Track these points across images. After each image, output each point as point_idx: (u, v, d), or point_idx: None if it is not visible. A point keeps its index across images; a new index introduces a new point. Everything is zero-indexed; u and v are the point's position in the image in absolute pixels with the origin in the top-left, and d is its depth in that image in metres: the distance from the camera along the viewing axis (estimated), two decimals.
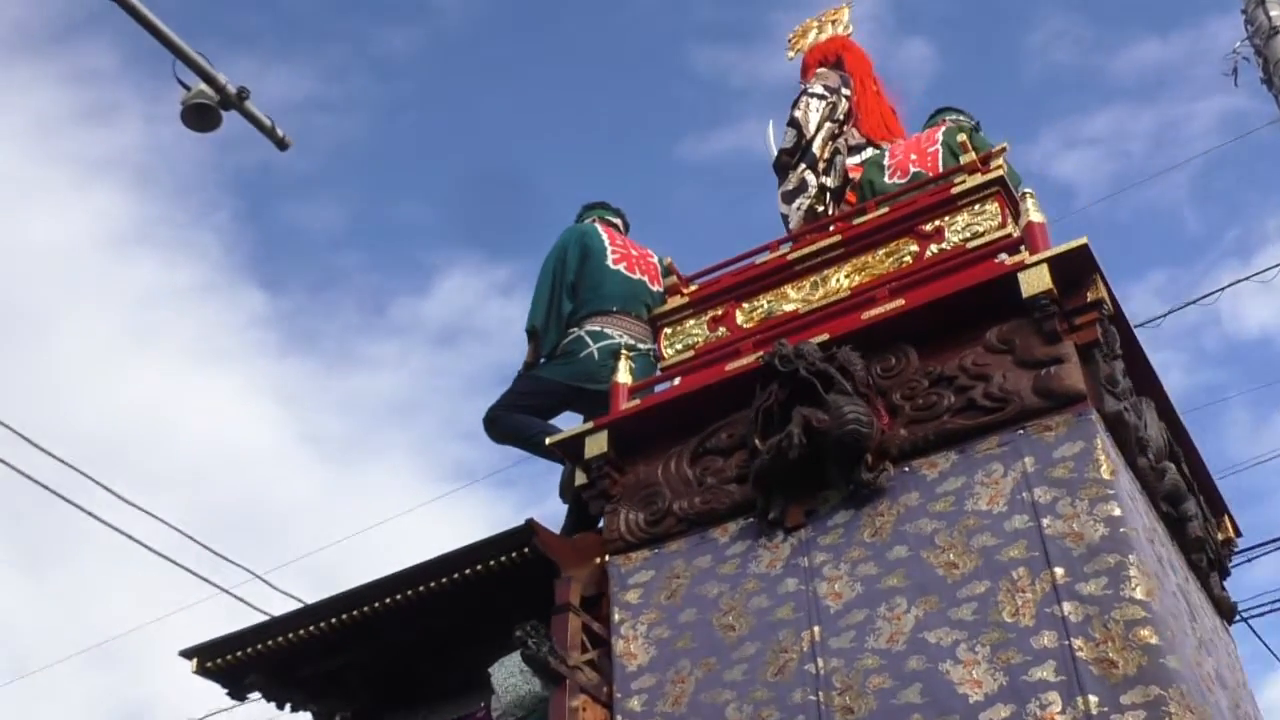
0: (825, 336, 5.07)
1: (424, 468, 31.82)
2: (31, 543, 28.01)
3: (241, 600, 9.00)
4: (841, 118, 6.87)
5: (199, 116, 6.31)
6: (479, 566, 4.88)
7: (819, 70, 7.20)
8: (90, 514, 7.99)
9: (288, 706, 5.57)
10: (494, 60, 29.49)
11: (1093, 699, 3.86)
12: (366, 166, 30.63)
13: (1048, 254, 4.75)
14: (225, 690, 5.54)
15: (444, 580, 4.90)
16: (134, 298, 29.44)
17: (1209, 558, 5.43)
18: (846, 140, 6.74)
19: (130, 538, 8.15)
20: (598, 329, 6.03)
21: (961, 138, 5.94)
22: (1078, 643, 3.99)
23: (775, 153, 6.81)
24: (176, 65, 6.24)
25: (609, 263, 6.21)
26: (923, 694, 4.14)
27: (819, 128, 6.72)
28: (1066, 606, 4.07)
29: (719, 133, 31.01)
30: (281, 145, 6.67)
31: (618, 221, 6.73)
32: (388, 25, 30.66)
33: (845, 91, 7.04)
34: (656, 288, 6.21)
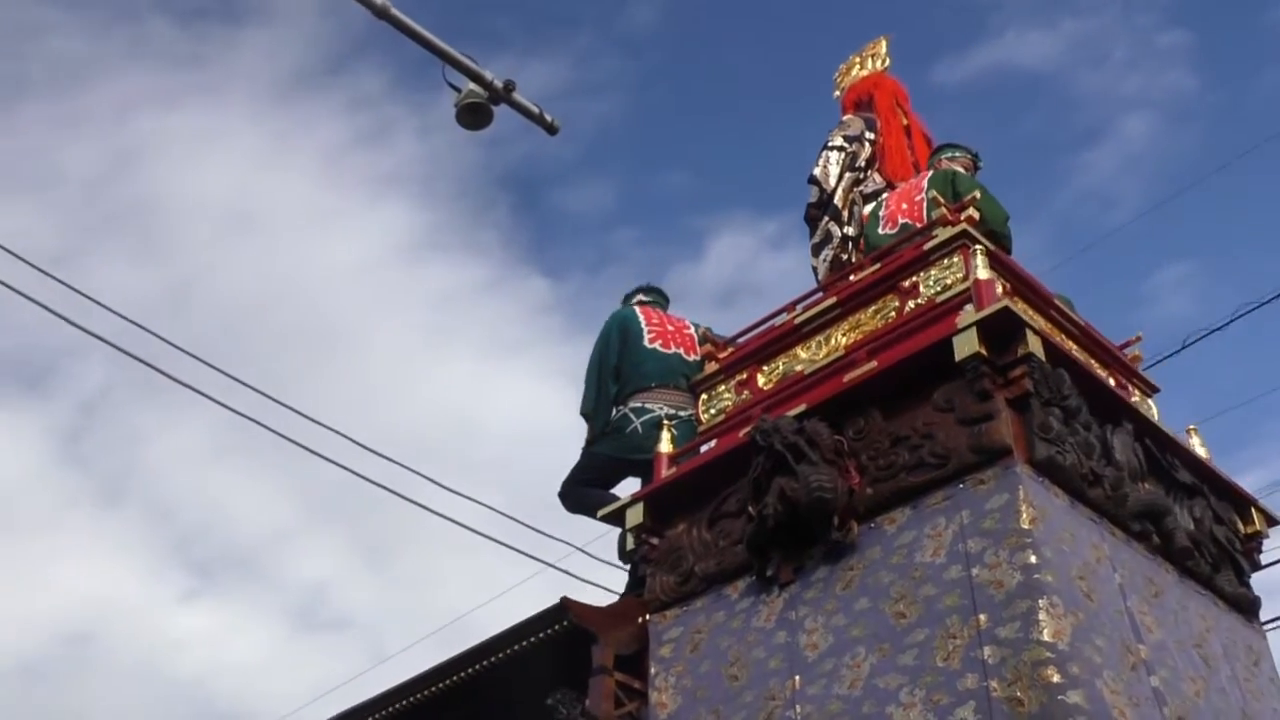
0: (803, 407, 5.67)
1: None
2: (373, 540, 31.10)
3: (566, 572, 9.30)
4: (863, 164, 7.33)
5: (472, 115, 6.67)
6: (530, 639, 5.75)
7: (844, 119, 7.67)
8: (423, 507, 8.40)
9: None
10: (735, 14, 30.11)
11: None
12: (627, 143, 32.13)
13: (975, 318, 5.20)
14: None
15: (503, 654, 5.79)
16: (431, 300, 32.12)
17: (1211, 560, 5.72)
18: (862, 190, 7.20)
19: (460, 525, 8.54)
20: (640, 405, 6.79)
21: (933, 193, 6.35)
22: (993, 683, 4.50)
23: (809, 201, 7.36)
24: (446, 70, 6.63)
25: (645, 343, 6.96)
26: None
27: (839, 179, 7.21)
28: (987, 650, 4.59)
29: (976, 50, 30.88)
30: (551, 130, 6.95)
31: (660, 300, 7.46)
32: (629, 2, 31.93)
33: (869, 136, 7.49)
34: (693, 357, 6.92)
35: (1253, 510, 6.19)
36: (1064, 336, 6.21)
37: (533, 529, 9.06)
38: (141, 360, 7.37)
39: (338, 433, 8.17)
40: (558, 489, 6.97)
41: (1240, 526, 6.10)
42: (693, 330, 7.11)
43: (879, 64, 8.22)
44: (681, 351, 6.95)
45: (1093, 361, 6.33)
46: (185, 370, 7.60)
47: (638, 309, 7.25)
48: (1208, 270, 29.05)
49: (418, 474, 8.45)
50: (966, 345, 5.17)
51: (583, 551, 9.40)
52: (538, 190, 33.58)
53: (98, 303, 7.34)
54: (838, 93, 8.33)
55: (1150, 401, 6.62)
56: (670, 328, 7.10)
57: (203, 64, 31.56)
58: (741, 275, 32.33)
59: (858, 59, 8.40)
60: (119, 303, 7.36)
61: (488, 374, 30.10)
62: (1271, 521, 6.24)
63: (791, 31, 29.12)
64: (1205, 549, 5.70)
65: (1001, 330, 5.21)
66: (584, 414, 7.03)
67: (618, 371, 6.94)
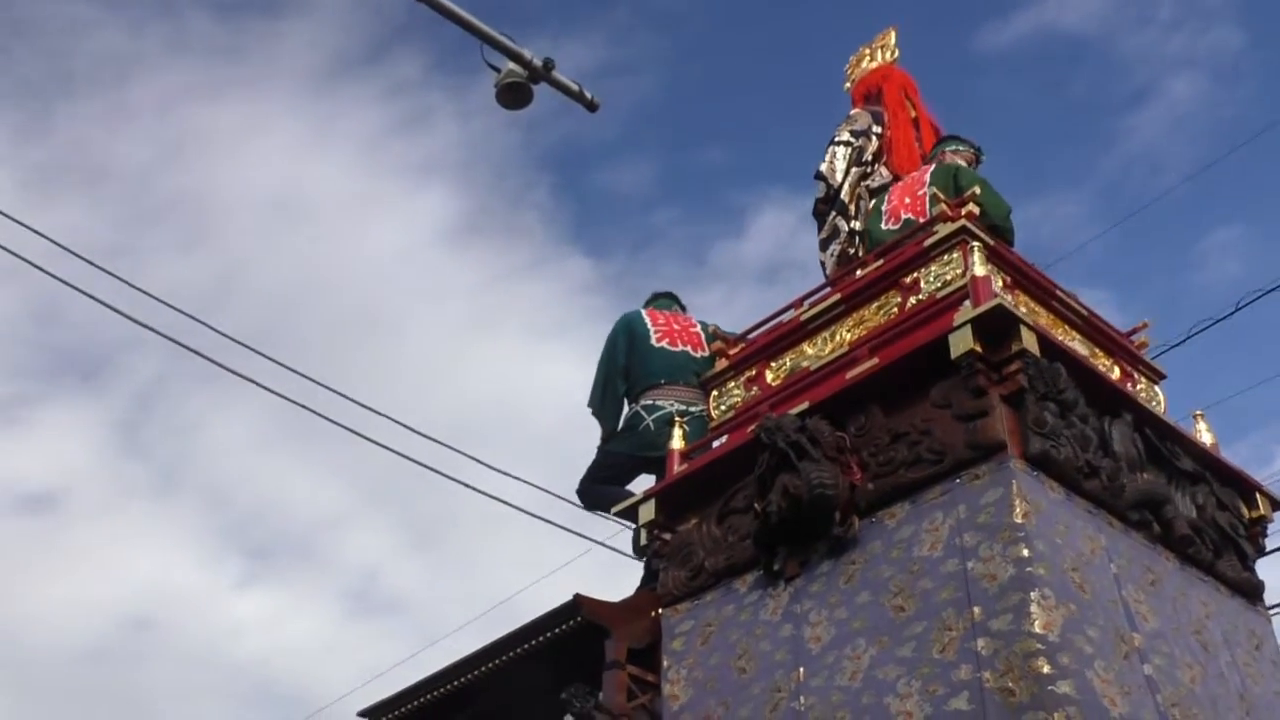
0: (805, 405, 5.80)
1: None
2: (423, 522, 31.66)
3: (614, 549, 9.34)
4: (869, 159, 7.43)
5: (512, 95, 6.75)
6: (547, 634, 5.93)
7: (851, 113, 7.76)
8: (472, 488, 8.53)
9: None
10: None
11: None
12: (665, 120, 32.20)
13: (969, 316, 5.30)
14: None
15: (519, 650, 5.98)
16: (473, 284, 32.55)
17: (1213, 546, 5.80)
18: (869, 185, 7.29)
19: (509, 505, 8.68)
20: (651, 402, 6.96)
21: (933, 189, 6.44)
22: (986, 674, 4.62)
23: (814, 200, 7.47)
24: (484, 50, 6.71)
25: (653, 343, 7.14)
26: None
27: (846, 174, 7.31)
28: (980, 642, 4.71)
29: (1020, 14, 30.72)
30: (591, 107, 7.04)
31: (672, 304, 7.63)
32: None
33: (876, 130, 7.58)
34: (700, 353, 7.07)
35: (1257, 495, 6.25)
36: (1067, 328, 6.30)
37: (581, 507, 9.17)
38: (196, 351, 7.60)
39: (387, 417, 8.33)
40: (576, 486, 7.15)
41: (1245, 511, 6.17)
42: (699, 328, 7.26)
43: (888, 55, 8.29)
44: (689, 349, 7.11)
45: (1097, 351, 6.42)
46: (236, 358, 7.84)
47: (644, 311, 7.42)
48: (1258, 233, 28.81)
49: (466, 455, 8.61)
50: (961, 343, 5.27)
51: (628, 527, 9.50)
52: (578, 171, 33.94)
53: (152, 296, 7.58)
54: (848, 85, 8.41)
55: (1157, 388, 6.69)
56: (676, 326, 7.27)
57: (242, 56, 32.08)
58: (784, 252, 32.38)
59: (867, 50, 8.48)
60: (169, 294, 7.63)
61: (532, 355, 30.54)
62: (1276, 506, 6.31)
63: (824, 2, 29.09)
64: (1206, 535, 5.78)
65: (996, 327, 5.30)
66: (590, 408, 7.21)
67: (626, 371, 7.13)
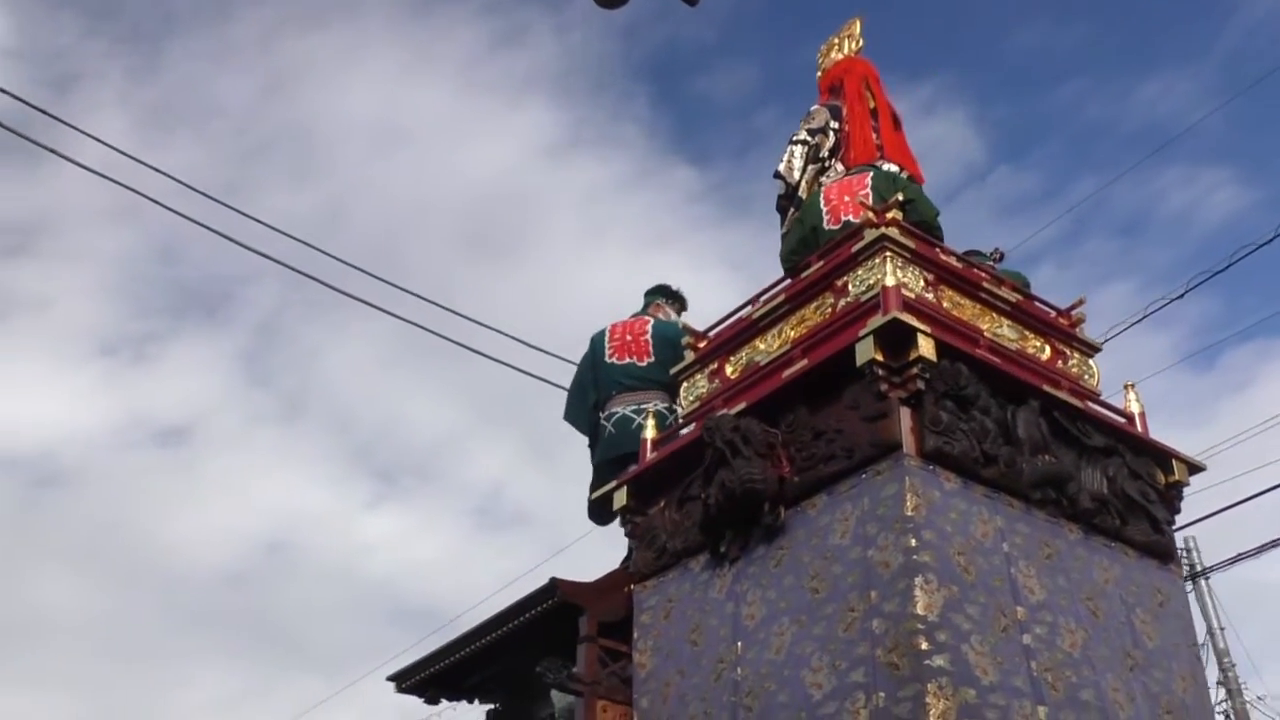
0: (743, 405, 6.49)
1: None
2: (539, 436, 32.94)
3: None
4: (826, 155, 7.99)
5: None
6: (526, 615, 6.77)
7: (810, 110, 8.30)
8: None
9: (461, 703, 7.81)
10: None
11: (882, 694, 5.24)
12: (765, 21, 32.12)
13: (870, 329, 5.93)
14: (421, 699, 7.84)
15: (509, 626, 6.83)
16: (579, 198, 33.30)
17: (1119, 514, 6.39)
18: (823, 181, 7.86)
19: None
20: (609, 410, 7.93)
21: (864, 193, 7.00)
22: (879, 651, 5.34)
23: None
24: None
25: (606, 359, 8.08)
26: (789, 695, 5.64)
27: (803, 172, 7.90)
28: (875, 622, 5.42)
29: None
30: (691, 1, 6.94)
31: (658, 298, 8.53)
32: None
33: (834, 125, 8.13)
34: (645, 361, 7.97)
35: (1173, 461, 6.79)
36: (995, 315, 6.86)
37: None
38: (316, 279, 8.37)
39: (502, 333, 9.08)
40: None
41: (1160, 478, 6.72)
42: (649, 334, 8.00)
43: (853, 45, 8.79)
44: (634, 360, 7.98)
45: (1027, 334, 6.98)
46: (352, 284, 8.58)
47: (607, 329, 8.20)
48: None
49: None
50: (865, 352, 5.90)
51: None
52: (678, 79, 34.16)
53: (271, 227, 8.35)
54: (819, 74, 8.93)
55: (1092, 362, 7.23)
56: (629, 337, 8.07)
57: None
58: None
59: (836, 40, 8.98)
60: (283, 224, 8.38)
61: (641, 265, 31.35)
62: (1193, 470, 6.85)
63: None
64: (1113, 506, 6.36)
65: (897, 337, 5.92)
66: (566, 420, 8.12)
67: (594, 383, 8.03)
